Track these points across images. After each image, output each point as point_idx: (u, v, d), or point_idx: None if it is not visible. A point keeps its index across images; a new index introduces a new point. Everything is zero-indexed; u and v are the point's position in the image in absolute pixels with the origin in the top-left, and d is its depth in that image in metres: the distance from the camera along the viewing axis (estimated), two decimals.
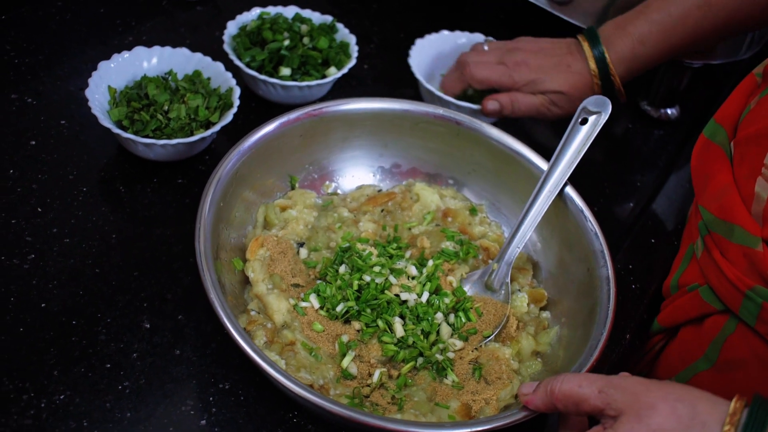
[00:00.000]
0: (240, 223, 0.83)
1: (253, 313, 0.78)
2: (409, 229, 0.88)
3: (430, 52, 1.12)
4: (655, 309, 0.91)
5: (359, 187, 0.92)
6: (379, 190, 0.93)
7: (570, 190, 0.85)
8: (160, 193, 0.92)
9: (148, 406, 0.74)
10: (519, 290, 0.86)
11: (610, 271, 0.79)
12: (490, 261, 0.86)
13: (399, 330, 0.77)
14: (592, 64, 0.98)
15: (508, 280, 0.83)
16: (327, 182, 0.92)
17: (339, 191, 0.92)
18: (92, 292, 0.81)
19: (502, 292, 0.83)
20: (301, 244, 0.85)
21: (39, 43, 1.07)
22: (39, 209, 0.88)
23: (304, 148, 0.88)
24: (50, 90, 1.01)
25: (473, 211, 0.92)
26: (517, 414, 0.67)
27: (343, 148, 0.91)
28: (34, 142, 0.94)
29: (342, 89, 1.10)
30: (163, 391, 0.75)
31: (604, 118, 0.84)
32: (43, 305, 0.79)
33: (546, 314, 0.85)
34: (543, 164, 0.87)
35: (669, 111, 1.21)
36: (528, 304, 0.84)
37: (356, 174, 0.93)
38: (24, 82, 1.01)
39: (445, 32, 1.13)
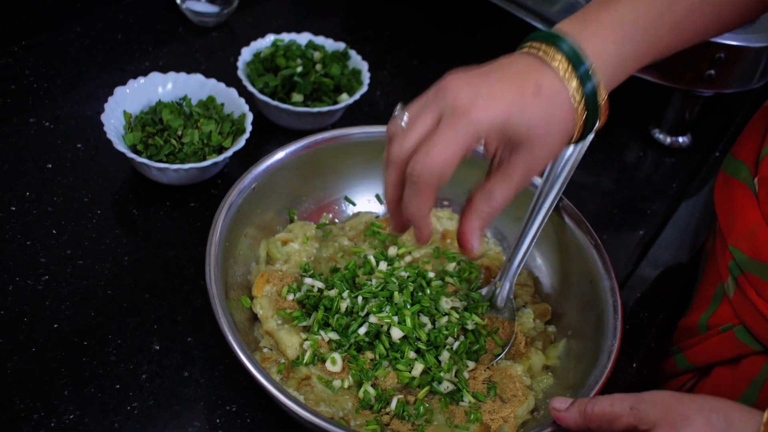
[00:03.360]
0: (244, 260, 0.83)
1: (265, 350, 0.78)
2: (410, 253, 0.88)
3: None
4: (664, 337, 0.91)
5: (356, 215, 0.93)
6: (377, 216, 0.93)
7: (567, 204, 0.86)
8: (173, 216, 0.94)
9: (155, 427, 0.74)
10: (523, 306, 0.87)
11: (614, 283, 0.80)
12: (491, 279, 0.87)
13: (418, 368, 0.77)
14: (572, 82, 0.65)
15: (512, 297, 0.84)
16: (325, 213, 0.92)
17: (337, 221, 0.93)
18: (104, 314, 0.82)
19: (507, 309, 0.84)
20: (306, 272, 0.85)
21: (57, 68, 1.09)
22: (54, 231, 0.89)
23: (300, 180, 0.89)
24: (67, 114, 1.03)
25: None
26: (542, 430, 0.68)
27: (338, 178, 0.92)
28: (50, 166, 0.96)
29: (354, 115, 1.12)
30: (171, 412, 0.76)
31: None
32: (55, 326, 0.80)
33: (552, 328, 0.86)
34: (537, 181, 0.87)
35: (680, 139, 1.21)
36: (534, 320, 0.85)
37: (352, 202, 0.94)
38: (42, 107, 1.03)
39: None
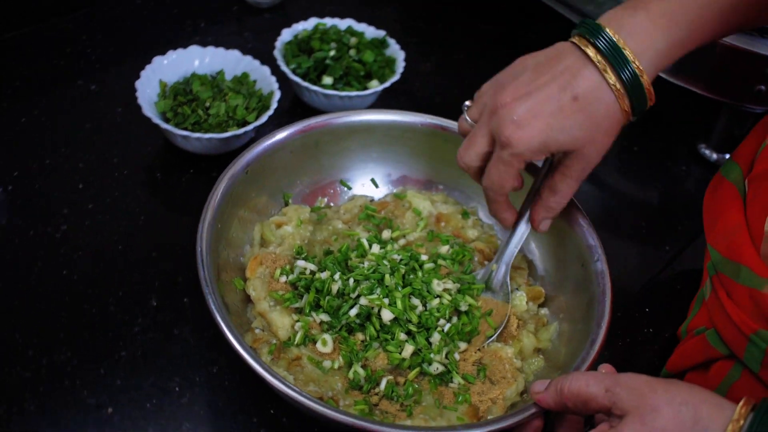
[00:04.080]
0: (238, 242, 0.85)
1: (257, 331, 0.80)
2: (404, 236, 0.89)
3: None
4: (668, 355, 0.88)
5: (351, 199, 0.94)
6: (371, 200, 0.94)
7: None
8: (194, 183, 0.98)
9: (138, 377, 0.78)
10: (517, 289, 0.86)
11: (604, 266, 0.80)
12: (486, 262, 0.87)
13: (408, 350, 0.78)
14: (611, 75, 0.69)
15: (508, 279, 0.84)
16: (320, 197, 0.93)
17: (332, 204, 0.94)
18: (111, 267, 0.87)
19: (501, 292, 0.84)
20: (300, 254, 0.86)
21: (112, 36, 1.15)
22: (80, 186, 0.95)
23: (295, 164, 0.90)
24: (113, 80, 1.09)
25: (465, 214, 0.93)
26: (525, 412, 0.68)
27: (333, 162, 0.93)
28: (89, 125, 1.02)
29: (388, 104, 1.12)
30: (156, 365, 0.79)
31: None
32: (64, 272, 0.85)
33: (544, 311, 0.85)
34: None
35: (727, 156, 1.16)
36: (527, 302, 0.85)
37: (348, 186, 0.95)
38: (91, 71, 1.10)
39: None
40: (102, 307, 0.83)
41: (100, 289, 0.85)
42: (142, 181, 0.97)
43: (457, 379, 0.77)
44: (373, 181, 0.96)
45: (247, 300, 0.83)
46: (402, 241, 0.89)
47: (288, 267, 0.83)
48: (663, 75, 1.11)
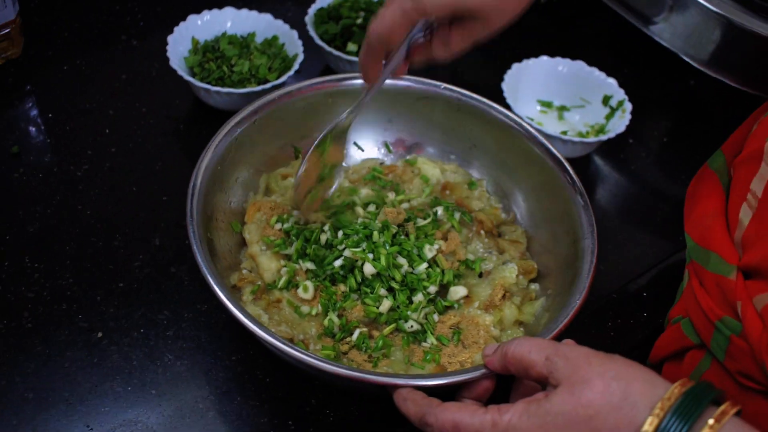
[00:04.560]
0: (244, 188, 0.88)
1: (245, 271, 0.83)
2: (408, 200, 0.90)
3: (524, 77, 1.10)
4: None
5: (363, 161, 0.96)
6: (381, 163, 0.95)
7: (564, 163, 0.86)
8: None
9: (130, 307, 0.82)
10: (509, 261, 0.86)
11: (593, 243, 0.79)
12: (482, 232, 0.88)
13: (385, 305, 0.79)
14: None
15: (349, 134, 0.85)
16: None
17: (344, 164, 0.95)
18: (123, 205, 0.92)
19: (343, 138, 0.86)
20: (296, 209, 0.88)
21: None
22: (107, 130, 1.00)
23: (307, 120, 0.92)
24: (154, 38, 1.14)
25: (472, 185, 0.93)
26: (474, 372, 0.68)
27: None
28: (125, 77, 1.08)
29: (414, 71, 1.13)
30: (147, 299, 0.84)
31: None
32: (79, 207, 0.91)
33: (535, 286, 0.85)
34: (544, 140, 0.88)
35: None
36: (517, 276, 0.85)
37: (361, 148, 0.97)
38: (135, 27, 1.15)
39: (545, 58, 1.12)
40: (108, 241, 0.88)
41: (109, 224, 0.90)
42: (164, 130, 1.02)
43: (431, 339, 0.78)
44: (386, 145, 0.97)
45: (243, 244, 0.86)
46: (405, 205, 0.90)
47: (285, 216, 0.86)
48: (700, 67, 1.08)
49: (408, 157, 0.97)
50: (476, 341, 0.78)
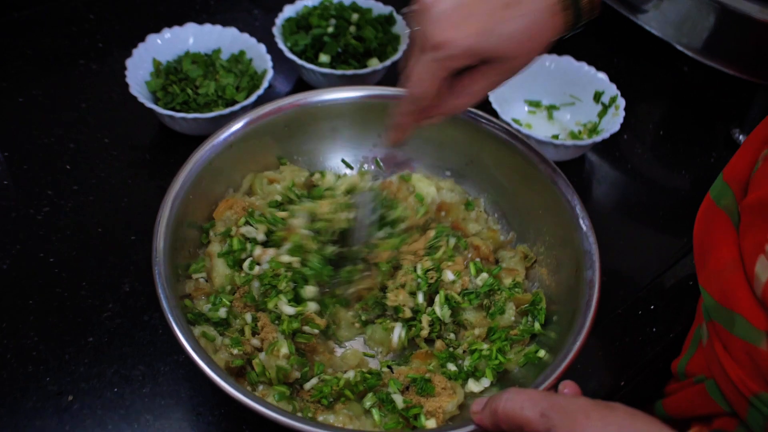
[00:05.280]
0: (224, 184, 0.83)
1: (201, 280, 0.78)
2: (403, 221, 0.84)
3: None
4: (670, 356, 0.81)
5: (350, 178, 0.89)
6: (375, 179, 0.89)
7: (563, 185, 0.80)
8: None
9: (102, 364, 0.76)
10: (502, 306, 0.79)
11: (595, 275, 0.73)
12: (478, 260, 0.82)
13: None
14: None
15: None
16: (317, 175, 0.88)
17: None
18: (89, 250, 0.85)
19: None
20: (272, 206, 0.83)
21: (119, 16, 1.14)
22: (68, 167, 0.93)
23: (290, 138, 0.86)
24: (114, 60, 1.07)
25: (469, 205, 0.88)
26: (463, 428, 0.63)
27: (334, 139, 0.89)
28: (84, 105, 1.01)
29: (391, 82, 1.07)
30: (121, 352, 0.77)
31: None
32: (41, 255, 0.84)
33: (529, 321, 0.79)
34: (540, 152, 0.82)
35: None
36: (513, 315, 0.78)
37: (349, 165, 0.91)
38: (94, 50, 1.08)
39: None
40: (74, 291, 0.82)
41: (75, 272, 0.83)
42: (129, 161, 0.95)
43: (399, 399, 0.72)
44: (377, 161, 0.91)
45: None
46: (403, 226, 0.84)
47: (257, 214, 0.80)
48: (693, 55, 1.03)
49: (403, 173, 0.90)
50: (444, 387, 0.72)
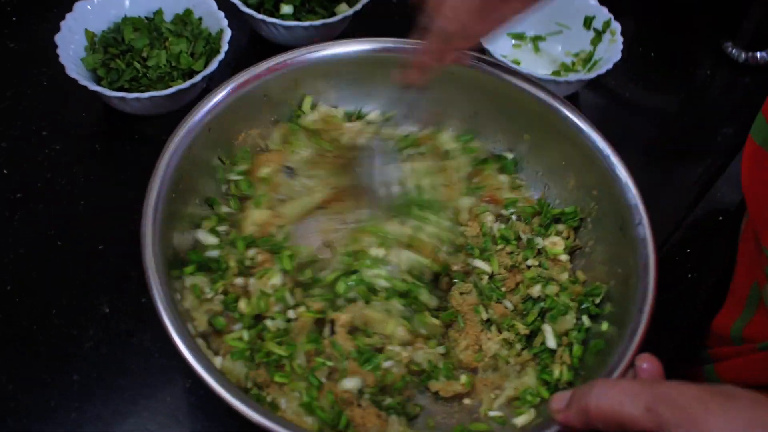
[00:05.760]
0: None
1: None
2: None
3: None
4: (713, 307, 0.75)
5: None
6: (407, 136, 0.78)
7: (588, 129, 0.72)
8: (139, 152, 0.82)
9: (95, 406, 0.65)
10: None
11: (647, 232, 0.65)
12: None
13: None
14: None
15: None
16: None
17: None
18: (50, 268, 0.73)
19: None
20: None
21: None
22: (5, 171, 0.79)
23: (271, 110, 0.75)
24: (35, 34, 0.91)
25: (506, 168, 0.78)
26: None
27: (321, 102, 0.78)
28: (10, 93, 0.86)
29: (365, 26, 0.94)
30: (116, 386, 0.66)
31: None
32: None
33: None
34: (542, 94, 0.74)
35: (759, 54, 1.01)
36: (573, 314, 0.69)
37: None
38: (8, 25, 0.92)
39: None
40: (43, 320, 0.69)
41: (39, 298, 0.71)
42: (78, 156, 0.81)
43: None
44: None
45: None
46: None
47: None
48: None
49: (429, 130, 0.80)
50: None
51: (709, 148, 0.93)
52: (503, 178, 0.77)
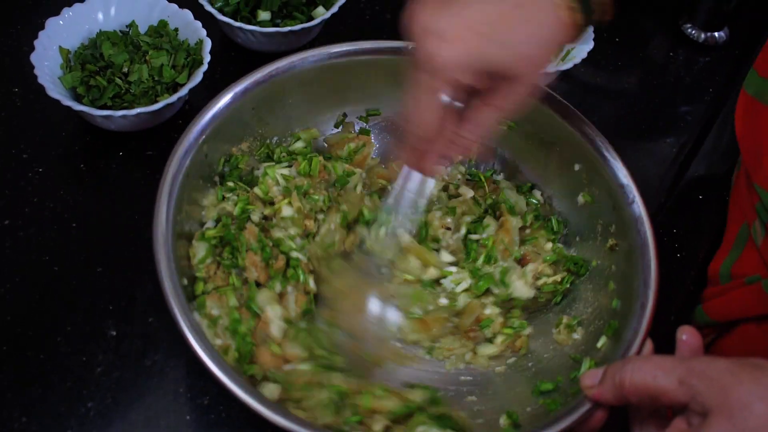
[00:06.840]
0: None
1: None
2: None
3: None
4: (702, 283, 0.79)
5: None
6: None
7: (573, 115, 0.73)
8: (127, 168, 0.81)
9: (115, 430, 0.64)
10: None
11: (641, 207, 0.67)
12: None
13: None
14: None
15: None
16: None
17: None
18: (50, 296, 0.71)
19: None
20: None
21: None
22: None
23: (260, 123, 0.74)
24: (5, 53, 0.88)
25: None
26: (578, 409, 0.58)
27: (309, 108, 0.77)
28: None
29: (336, 31, 0.95)
30: (133, 411, 0.66)
31: None
32: None
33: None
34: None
35: (717, 34, 1.05)
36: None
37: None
38: None
39: None
40: (50, 350, 0.68)
41: (43, 327, 0.69)
42: (62, 177, 0.79)
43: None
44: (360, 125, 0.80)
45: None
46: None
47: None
48: None
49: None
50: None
51: (674, 127, 0.97)
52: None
